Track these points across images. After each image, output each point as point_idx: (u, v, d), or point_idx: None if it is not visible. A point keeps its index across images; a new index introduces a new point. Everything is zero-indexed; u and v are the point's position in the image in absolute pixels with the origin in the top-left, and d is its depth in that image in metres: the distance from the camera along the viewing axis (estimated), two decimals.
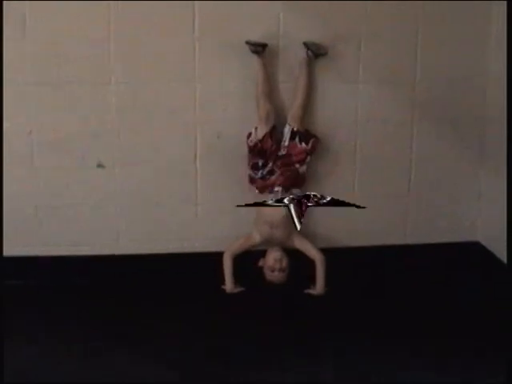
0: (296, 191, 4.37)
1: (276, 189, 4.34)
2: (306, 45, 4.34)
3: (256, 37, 4.30)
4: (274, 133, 4.38)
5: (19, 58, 4.23)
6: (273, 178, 4.36)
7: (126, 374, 3.45)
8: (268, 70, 4.37)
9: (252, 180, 4.44)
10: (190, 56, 4.34)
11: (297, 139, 4.38)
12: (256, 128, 4.36)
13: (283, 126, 4.42)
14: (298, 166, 4.39)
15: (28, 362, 3.51)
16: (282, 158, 4.37)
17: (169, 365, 3.53)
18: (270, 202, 4.22)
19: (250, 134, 4.37)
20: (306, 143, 4.39)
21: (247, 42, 4.27)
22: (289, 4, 4.34)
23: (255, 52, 4.29)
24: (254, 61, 4.31)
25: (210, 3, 4.28)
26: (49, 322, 3.98)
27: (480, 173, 4.74)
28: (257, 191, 4.41)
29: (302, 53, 4.37)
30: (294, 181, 4.39)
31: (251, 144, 4.36)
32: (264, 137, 4.33)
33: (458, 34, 4.52)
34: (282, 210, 4.27)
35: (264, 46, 4.29)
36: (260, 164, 4.37)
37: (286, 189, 4.35)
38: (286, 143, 4.39)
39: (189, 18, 4.29)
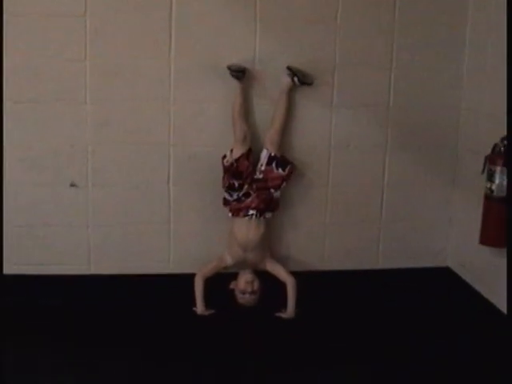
0: (269, 215, 4.41)
1: (250, 212, 4.34)
2: (292, 70, 4.36)
3: (232, 60, 4.33)
4: (251, 154, 4.40)
5: None
6: (248, 200, 4.36)
7: None
8: (246, 92, 4.39)
9: (226, 202, 4.43)
10: (165, 77, 4.36)
11: (273, 164, 4.40)
12: (232, 150, 4.37)
13: (258, 148, 4.45)
14: (272, 190, 4.40)
15: None
16: (258, 182, 4.39)
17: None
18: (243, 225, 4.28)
19: (225, 156, 4.38)
20: (283, 169, 4.41)
21: (229, 68, 4.29)
22: (265, 29, 4.38)
23: (236, 77, 4.31)
24: (234, 85, 4.34)
25: (186, 26, 4.31)
26: (17, 344, 3.92)
27: (451, 199, 4.79)
28: (230, 214, 4.41)
29: (277, 76, 4.40)
30: (268, 205, 4.39)
31: (227, 164, 4.37)
32: (240, 157, 4.34)
33: (433, 61, 4.58)
34: (254, 233, 4.33)
35: (244, 70, 4.31)
36: (236, 185, 4.37)
37: (260, 212, 4.36)
38: (263, 168, 4.41)
39: (165, 39, 4.31)
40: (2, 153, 4.22)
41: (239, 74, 4.30)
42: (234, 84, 4.35)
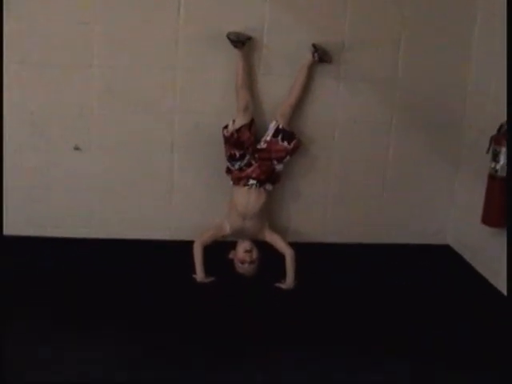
0: (269, 187, 4.42)
1: (251, 182, 4.35)
2: (315, 47, 4.36)
3: (241, 28, 4.30)
4: (253, 125, 4.39)
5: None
6: (249, 170, 4.36)
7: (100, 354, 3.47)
8: (248, 62, 4.38)
9: (228, 170, 4.44)
10: (172, 44, 4.35)
11: (279, 137, 4.39)
12: (234, 120, 4.35)
13: (263, 119, 4.45)
14: (275, 162, 4.40)
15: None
16: (261, 152, 4.39)
17: (131, 350, 3.54)
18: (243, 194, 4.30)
19: (226, 126, 4.37)
20: (289, 143, 4.41)
21: (227, 36, 4.27)
22: (276, 1, 4.35)
23: (235, 46, 4.30)
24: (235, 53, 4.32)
25: None
26: (16, 305, 3.92)
27: (454, 177, 4.80)
28: (231, 182, 4.42)
29: (286, 48, 4.40)
30: (269, 176, 4.40)
31: (227, 134, 4.36)
32: (242, 128, 4.33)
33: (442, 38, 4.56)
34: (254, 203, 4.33)
35: (244, 41, 4.29)
36: (237, 155, 4.37)
37: (261, 183, 4.37)
38: (268, 138, 4.41)
39: (174, 5, 4.29)
40: (2, 113, 4.22)
41: (238, 43, 4.29)
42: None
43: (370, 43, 4.49)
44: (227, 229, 4.45)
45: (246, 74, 4.36)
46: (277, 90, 4.45)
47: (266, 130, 4.44)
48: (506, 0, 3.99)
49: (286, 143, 4.40)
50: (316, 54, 4.36)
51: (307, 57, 4.38)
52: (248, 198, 4.35)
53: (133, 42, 4.33)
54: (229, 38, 4.27)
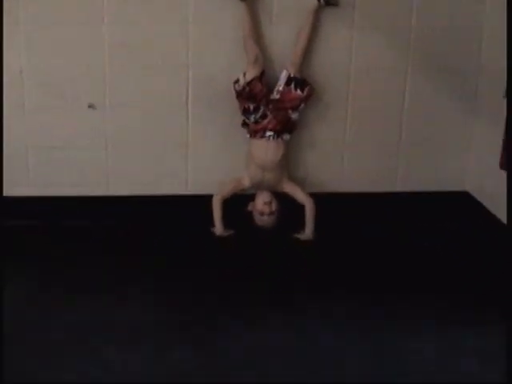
0: (286, 137, 4.40)
1: (268, 133, 4.34)
2: None
3: None
4: (264, 77, 4.35)
5: None
6: (265, 121, 4.34)
7: (114, 314, 3.51)
8: (254, 13, 4.32)
9: (244, 124, 4.43)
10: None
11: (292, 85, 4.35)
12: (244, 73, 4.32)
13: (275, 70, 4.41)
14: (290, 111, 4.37)
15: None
16: (275, 102, 4.36)
17: (156, 305, 3.59)
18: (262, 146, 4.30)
19: (237, 80, 4.34)
20: (302, 90, 4.36)
21: None
22: None
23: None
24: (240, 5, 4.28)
25: None
26: (41, 264, 4.00)
27: (471, 123, 4.73)
28: (248, 135, 4.41)
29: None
30: (286, 126, 4.38)
31: (238, 89, 4.33)
32: (253, 80, 4.30)
33: None
34: (273, 154, 4.33)
35: None
36: (251, 108, 4.35)
37: (278, 134, 4.35)
38: (281, 88, 4.37)
39: None
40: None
41: None
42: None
43: None
44: (247, 182, 4.47)
45: (252, 26, 4.30)
46: (286, 39, 4.39)
47: (277, 80, 4.40)
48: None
49: (299, 91, 4.36)
50: None
51: (312, 1, 4.30)
52: (266, 149, 4.35)
53: None
54: None
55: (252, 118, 4.37)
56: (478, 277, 3.96)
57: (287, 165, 4.53)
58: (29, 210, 4.45)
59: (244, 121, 4.42)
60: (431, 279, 3.93)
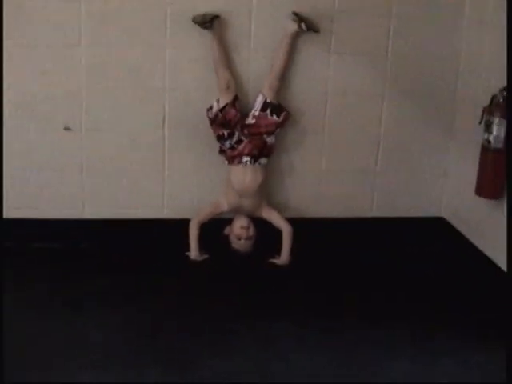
0: (264, 161, 4.39)
1: (245, 159, 4.33)
2: (299, 16, 4.27)
3: (229, 4, 4.29)
4: (238, 102, 4.36)
5: None
6: (240, 146, 4.34)
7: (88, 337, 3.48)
8: (222, 40, 4.33)
9: (222, 151, 4.42)
10: (161, 21, 4.29)
11: (268, 111, 4.35)
12: (217, 100, 4.32)
13: (251, 95, 4.43)
14: (265, 136, 4.37)
15: None
16: (250, 127, 4.35)
17: (122, 329, 3.57)
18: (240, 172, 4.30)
19: (211, 107, 4.34)
20: (278, 116, 4.36)
21: (193, 21, 4.22)
22: None
23: (204, 28, 4.23)
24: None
25: None
26: (13, 287, 3.92)
27: (448, 149, 4.76)
28: (226, 162, 4.41)
29: (275, 22, 4.35)
30: (262, 150, 4.37)
31: (211, 116, 4.34)
32: (226, 106, 4.30)
33: (433, 7, 4.51)
34: (251, 181, 4.33)
35: (210, 21, 4.20)
36: (226, 134, 4.34)
37: (255, 159, 4.34)
38: (257, 113, 4.37)
39: None
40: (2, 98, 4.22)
41: (205, 24, 4.21)
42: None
43: (361, 13, 4.43)
44: (225, 206, 4.45)
45: (221, 53, 4.30)
46: (262, 63, 4.40)
47: (252, 104, 4.41)
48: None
49: (275, 116, 4.36)
50: (303, 24, 4.26)
51: (291, 26, 4.30)
52: (244, 176, 4.34)
53: (120, 19, 4.26)
54: (195, 22, 4.21)
55: (227, 144, 4.36)
56: (452, 301, 3.97)
57: (265, 190, 4.52)
58: (2, 231, 4.37)
59: (220, 147, 4.41)
60: (407, 304, 3.93)
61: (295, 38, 4.36)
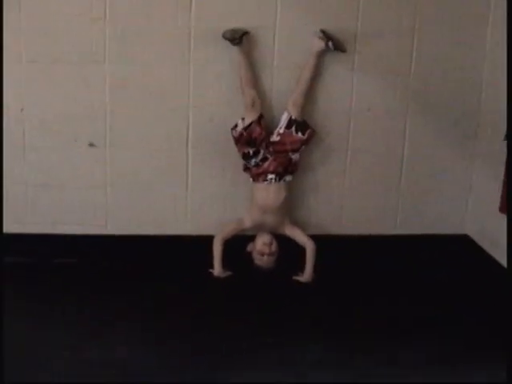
0: (289, 178, 4.40)
1: (269, 176, 4.34)
2: (326, 34, 4.29)
3: (253, 22, 4.31)
4: (263, 120, 4.37)
5: (13, 34, 4.19)
6: (265, 164, 4.35)
7: (113, 354, 3.46)
8: (250, 57, 4.35)
9: (246, 168, 4.44)
10: (185, 38, 4.32)
11: (293, 128, 4.36)
12: (243, 118, 4.35)
13: (275, 112, 4.45)
14: (290, 153, 4.38)
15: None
16: (275, 145, 4.36)
17: (150, 346, 3.55)
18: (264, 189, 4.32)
19: (235, 126, 4.36)
20: (303, 133, 4.37)
21: (223, 36, 4.24)
22: None
23: (233, 44, 4.25)
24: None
25: None
26: (37, 300, 3.97)
27: (471, 166, 4.75)
28: (251, 179, 4.42)
29: (299, 40, 4.36)
30: (287, 167, 4.38)
31: (236, 135, 4.35)
32: (251, 124, 4.32)
33: (456, 27, 4.51)
34: (274, 198, 4.34)
35: (241, 38, 4.22)
36: (251, 153, 4.36)
37: (280, 176, 4.35)
38: (282, 130, 4.38)
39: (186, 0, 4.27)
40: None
41: (235, 41, 4.22)
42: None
43: (384, 34, 4.44)
44: (248, 223, 4.46)
45: (248, 70, 4.32)
46: (286, 80, 4.41)
47: (277, 122, 4.43)
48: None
49: (300, 134, 4.37)
50: (330, 43, 4.28)
51: (318, 44, 4.32)
52: (268, 192, 4.35)
53: (145, 37, 4.30)
54: (225, 38, 4.23)
55: (253, 162, 4.37)
56: (477, 320, 3.93)
57: (289, 207, 4.52)
58: (27, 247, 4.43)
59: (245, 165, 4.42)
60: (432, 322, 3.89)
61: (321, 56, 4.37)
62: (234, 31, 4.23)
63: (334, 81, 4.48)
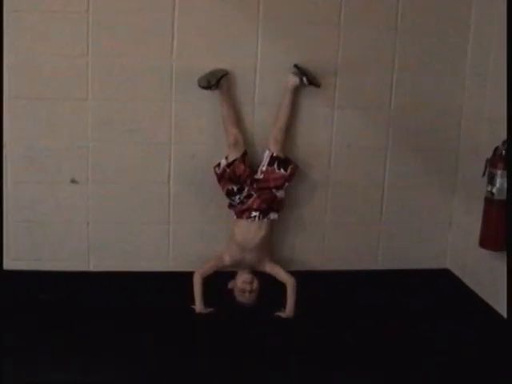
0: (274, 216, 4.40)
1: (253, 214, 4.33)
2: (300, 70, 4.30)
3: (234, 59, 4.35)
4: (247, 157, 4.39)
5: None
6: (250, 201, 4.34)
7: None
8: (231, 96, 4.37)
9: (231, 205, 4.43)
10: (167, 76, 4.34)
11: (275, 165, 4.38)
12: (226, 157, 4.36)
13: (257, 150, 4.48)
14: (274, 190, 4.38)
15: None
16: (258, 182, 4.37)
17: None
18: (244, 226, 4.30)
19: (218, 164, 4.37)
20: (285, 169, 4.39)
21: (199, 85, 4.25)
22: (267, 29, 4.36)
23: (211, 90, 4.27)
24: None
25: (189, 25, 4.31)
26: (15, 337, 3.88)
27: (451, 201, 4.78)
28: (234, 216, 4.41)
29: (279, 76, 4.39)
30: (271, 205, 4.37)
31: (219, 171, 4.36)
32: (235, 162, 4.33)
33: (435, 62, 4.57)
34: (253, 235, 4.32)
35: (217, 82, 4.23)
36: (235, 190, 4.36)
37: (264, 213, 4.35)
38: (264, 168, 4.40)
39: (168, 38, 4.30)
40: (3, 150, 4.24)
41: (212, 87, 4.25)
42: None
43: (364, 67, 4.50)
44: (227, 260, 4.42)
45: (230, 109, 4.35)
46: (270, 117, 4.43)
47: (261, 159, 4.44)
48: (505, 15, 3.98)
49: (282, 170, 4.38)
50: (305, 78, 4.30)
51: (292, 80, 4.35)
52: (248, 230, 4.34)
53: (127, 74, 4.31)
54: (201, 86, 4.24)
55: (237, 199, 4.37)
56: (460, 355, 3.92)
57: (270, 245, 4.50)
58: (8, 284, 4.30)
59: (230, 203, 4.42)
60: (415, 356, 3.88)
61: (297, 91, 4.40)
62: (209, 75, 4.25)
63: (314, 116, 4.52)
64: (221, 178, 4.37)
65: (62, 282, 4.50)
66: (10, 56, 4.18)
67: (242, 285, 4.32)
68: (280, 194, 4.41)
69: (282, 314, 4.32)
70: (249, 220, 4.34)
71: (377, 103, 4.58)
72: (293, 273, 4.38)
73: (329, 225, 4.69)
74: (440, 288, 4.72)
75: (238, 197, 4.37)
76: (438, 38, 4.53)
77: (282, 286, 4.35)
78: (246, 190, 4.36)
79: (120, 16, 4.25)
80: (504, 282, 3.73)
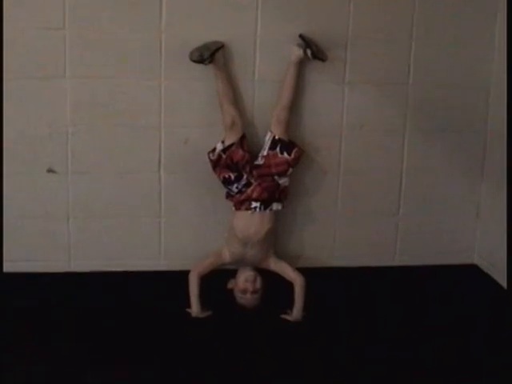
0: (277, 207, 4.15)
1: (253, 204, 4.08)
2: (305, 40, 4.06)
3: (231, 31, 4.11)
4: (245, 141, 4.16)
5: None
6: (249, 190, 4.11)
7: None
8: (227, 70, 4.16)
9: (228, 195, 4.22)
10: (155, 51, 4.11)
11: (278, 149, 4.14)
12: (223, 141, 4.14)
13: (258, 133, 4.25)
14: (277, 177, 4.13)
15: None
16: (259, 168, 4.13)
17: None
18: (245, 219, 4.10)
19: (213, 149, 4.16)
20: (289, 154, 4.15)
21: (191, 59, 4.00)
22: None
23: (205, 64, 4.03)
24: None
25: None
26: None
27: (479, 189, 4.62)
28: (233, 208, 4.18)
29: (283, 49, 4.15)
30: (273, 194, 4.13)
31: (213, 158, 4.15)
32: (232, 146, 4.11)
33: (459, 32, 4.34)
34: (257, 228, 4.08)
35: (211, 55, 3.98)
36: (232, 178, 4.13)
37: (265, 204, 4.09)
38: (265, 152, 4.17)
39: (156, 9, 4.05)
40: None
41: (205, 61, 4.00)
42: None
43: (378, 38, 4.26)
44: (227, 257, 4.19)
45: (226, 85, 4.13)
46: (272, 95, 4.20)
47: (262, 144, 4.21)
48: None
49: (285, 154, 4.13)
50: (308, 50, 4.06)
51: (296, 52, 4.12)
52: (250, 223, 4.08)
53: (111, 49, 4.07)
54: (193, 60, 4.01)
55: (234, 188, 4.14)
56: (488, 352, 3.72)
57: (275, 240, 4.29)
58: None
59: (228, 192, 4.21)
60: (439, 357, 3.66)
61: (302, 65, 4.19)
62: (202, 48, 4.02)
63: (322, 94, 4.29)
64: (216, 164, 4.16)
65: (39, 285, 4.30)
66: None
67: (244, 284, 4.05)
68: (283, 181, 4.17)
69: (289, 317, 4.05)
70: (249, 212, 4.10)
71: (393, 78, 4.37)
72: (301, 270, 4.14)
73: (340, 216, 4.53)
74: (467, 286, 4.50)
75: (235, 185, 4.14)
76: (464, 4, 4.32)
77: (288, 286, 4.11)
78: (245, 177, 4.13)
79: None
80: None
